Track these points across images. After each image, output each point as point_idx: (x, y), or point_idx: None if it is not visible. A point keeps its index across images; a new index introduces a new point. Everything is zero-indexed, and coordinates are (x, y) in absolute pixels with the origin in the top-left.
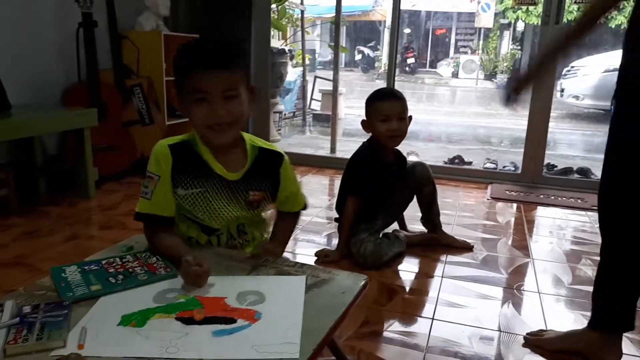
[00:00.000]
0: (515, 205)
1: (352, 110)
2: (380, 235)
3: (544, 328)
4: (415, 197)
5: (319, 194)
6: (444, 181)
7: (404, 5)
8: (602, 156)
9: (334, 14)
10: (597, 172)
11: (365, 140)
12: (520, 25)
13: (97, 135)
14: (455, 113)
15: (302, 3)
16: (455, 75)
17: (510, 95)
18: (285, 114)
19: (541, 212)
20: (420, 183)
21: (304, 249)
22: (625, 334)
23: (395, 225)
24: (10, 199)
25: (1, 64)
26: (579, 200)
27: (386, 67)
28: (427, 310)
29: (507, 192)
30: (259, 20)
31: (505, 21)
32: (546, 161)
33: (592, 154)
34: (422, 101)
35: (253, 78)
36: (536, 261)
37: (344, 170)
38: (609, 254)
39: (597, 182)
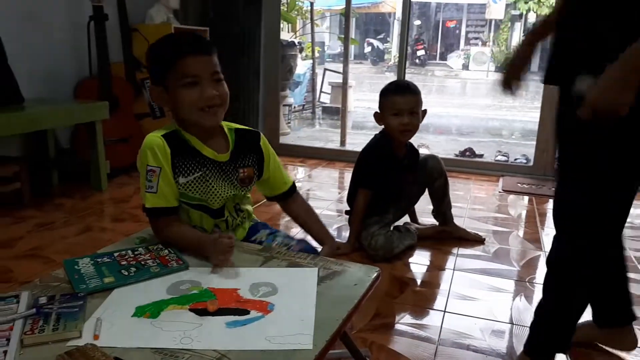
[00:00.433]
0: (527, 197)
1: (361, 103)
2: (391, 228)
3: None
4: (426, 189)
5: (329, 187)
6: (455, 174)
7: None
8: None
9: (344, 6)
10: None
11: (377, 132)
12: (532, 17)
13: (109, 128)
14: (466, 105)
15: None
16: (465, 67)
17: (504, 82)
18: (294, 107)
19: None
20: (432, 176)
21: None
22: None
23: (406, 218)
24: (23, 192)
25: (14, 58)
26: None
27: (396, 60)
28: (439, 302)
29: (518, 184)
30: (269, 12)
31: (517, 12)
32: None
33: None
34: (432, 93)
35: (262, 71)
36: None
37: (356, 162)
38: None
39: None
